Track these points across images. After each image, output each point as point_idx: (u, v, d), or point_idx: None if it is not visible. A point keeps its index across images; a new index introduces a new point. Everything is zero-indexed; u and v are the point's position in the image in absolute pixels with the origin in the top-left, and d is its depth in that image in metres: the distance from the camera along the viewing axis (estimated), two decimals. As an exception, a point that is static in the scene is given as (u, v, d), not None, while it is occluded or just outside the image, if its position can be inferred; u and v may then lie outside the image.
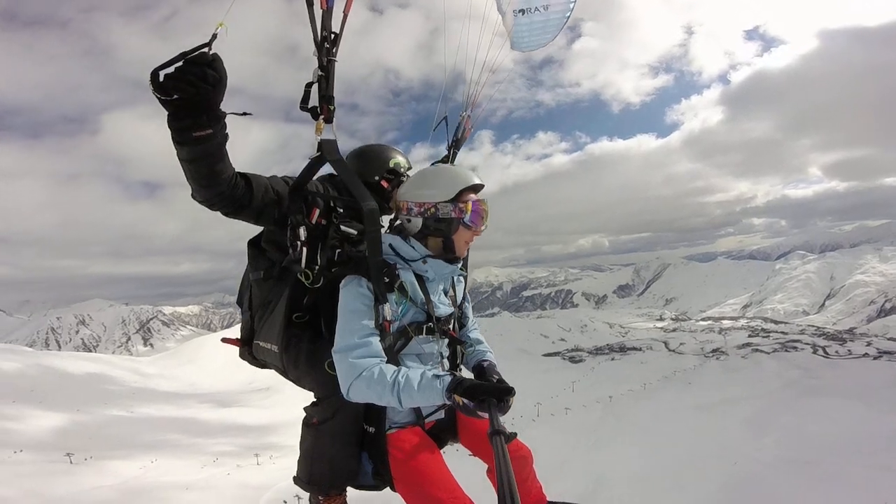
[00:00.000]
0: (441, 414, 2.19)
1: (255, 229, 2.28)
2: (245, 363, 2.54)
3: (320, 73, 1.92)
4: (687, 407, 23.70)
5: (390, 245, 2.03)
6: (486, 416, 1.58)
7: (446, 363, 2.18)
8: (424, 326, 2.01)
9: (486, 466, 2.12)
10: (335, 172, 2.14)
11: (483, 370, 2.12)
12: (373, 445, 2.05)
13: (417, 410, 2.10)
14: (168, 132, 1.60)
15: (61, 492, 26.55)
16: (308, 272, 2.03)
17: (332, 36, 1.94)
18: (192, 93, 1.49)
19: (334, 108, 1.98)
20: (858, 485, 7.55)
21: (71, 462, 35.27)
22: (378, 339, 1.84)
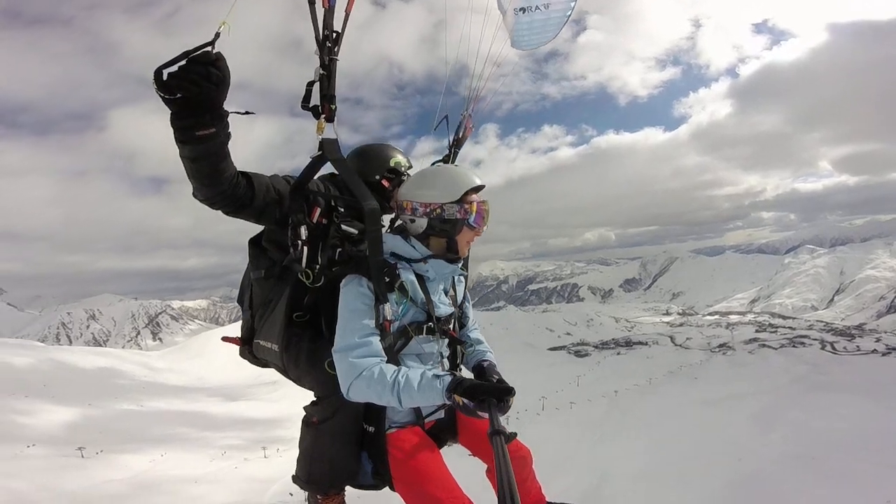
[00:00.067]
0: (441, 414, 2.20)
1: (257, 228, 2.29)
2: None
3: (322, 71, 1.92)
4: (693, 402, 23.58)
5: (391, 245, 2.03)
6: (486, 416, 1.58)
7: (446, 363, 2.18)
8: (425, 326, 2.02)
9: (485, 466, 2.12)
10: (336, 172, 2.15)
11: (483, 370, 2.12)
12: (372, 445, 2.06)
13: (417, 410, 2.11)
14: (171, 130, 1.61)
15: (73, 486, 26.95)
16: (309, 271, 2.03)
17: (334, 35, 1.93)
18: (195, 92, 1.50)
19: (336, 108, 1.98)
20: (864, 482, 7.52)
21: (83, 456, 35.80)
22: (378, 338, 1.85)
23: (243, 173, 1.91)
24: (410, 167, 2.65)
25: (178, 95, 1.51)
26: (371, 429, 2.06)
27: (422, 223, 2.01)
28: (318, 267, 2.08)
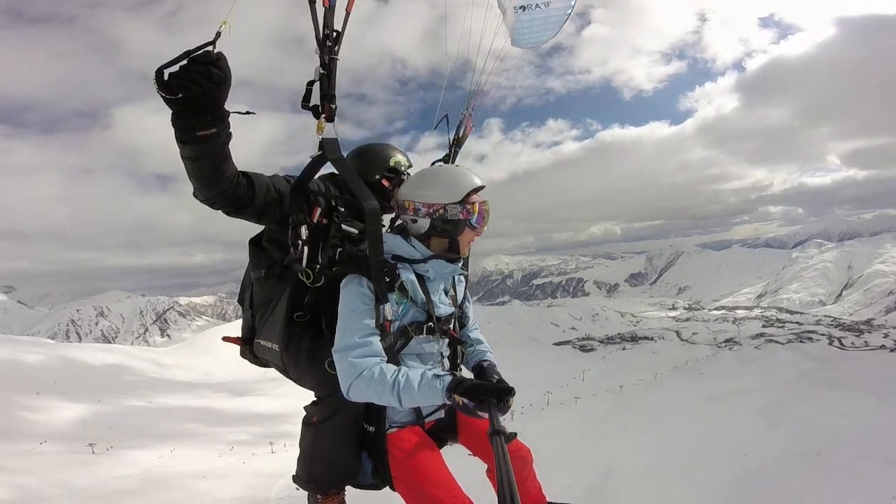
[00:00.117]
0: (441, 413, 2.20)
1: (258, 227, 2.29)
2: None
3: (322, 71, 1.90)
4: (698, 397, 23.52)
5: (391, 244, 2.03)
6: (486, 415, 1.58)
7: (447, 363, 2.18)
8: (425, 326, 2.02)
9: (485, 466, 2.13)
10: (336, 171, 2.14)
11: (483, 370, 2.13)
12: (373, 445, 2.06)
13: (417, 410, 2.11)
14: (172, 130, 1.61)
15: (84, 482, 27.35)
16: (309, 271, 2.03)
17: (335, 34, 1.92)
18: (196, 92, 1.50)
19: (336, 107, 1.97)
20: (869, 478, 7.48)
21: (93, 452, 36.33)
22: (378, 338, 1.85)
23: (244, 173, 1.91)
24: (410, 166, 2.65)
25: (180, 95, 1.51)
26: (371, 428, 2.06)
27: (424, 223, 2.02)
28: (318, 267, 2.08)
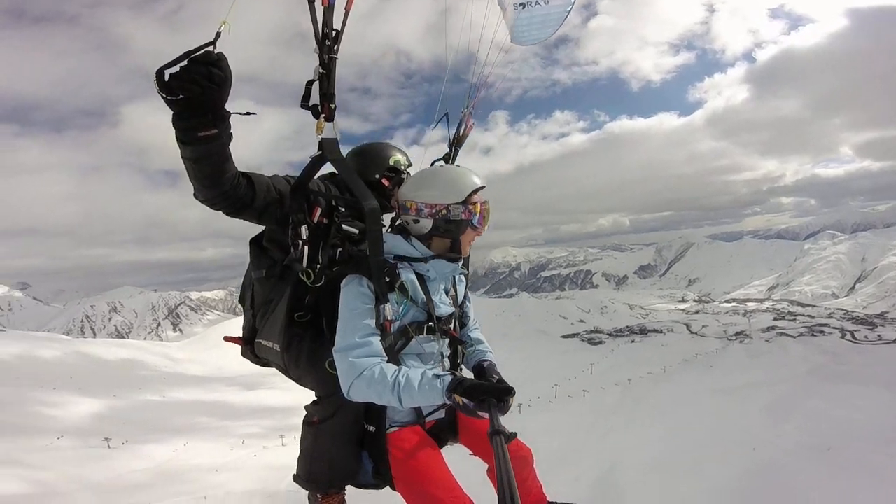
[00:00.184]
0: (441, 413, 2.20)
1: (257, 227, 2.28)
2: None
3: (321, 70, 1.88)
4: (708, 391, 23.30)
5: (391, 244, 2.03)
6: (486, 415, 1.58)
7: (447, 363, 2.18)
8: (425, 326, 2.02)
9: (486, 466, 2.13)
10: (336, 171, 2.13)
11: (483, 370, 2.13)
12: (373, 444, 2.07)
13: (418, 410, 2.12)
14: (172, 131, 1.61)
15: (100, 476, 27.98)
16: (309, 271, 2.03)
17: (334, 33, 1.89)
18: (197, 92, 1.49)
19: (335, 107, 1.95)
20: (881, 473, 7.38)
21: (109, 447, 37.12)
22: (379, 338, 1.85)
23: (244, 174, 1.91)
24: (410, 165, 2.65)
25: (180, 96, 1.50)
26: (372, 428, 2.07)
27: (426, 224, 2.02)
28: (318, 267, 2.07)
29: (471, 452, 2.23)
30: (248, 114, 1.74)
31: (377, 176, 2.50)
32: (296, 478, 2.21)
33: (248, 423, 53.51)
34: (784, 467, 8.88)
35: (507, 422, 1.65)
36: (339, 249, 2.16)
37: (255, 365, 2.55)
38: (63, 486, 25.66)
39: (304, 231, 2.07)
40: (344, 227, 2.19)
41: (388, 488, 2.10)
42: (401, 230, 2.11)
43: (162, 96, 1.50)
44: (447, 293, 2.21)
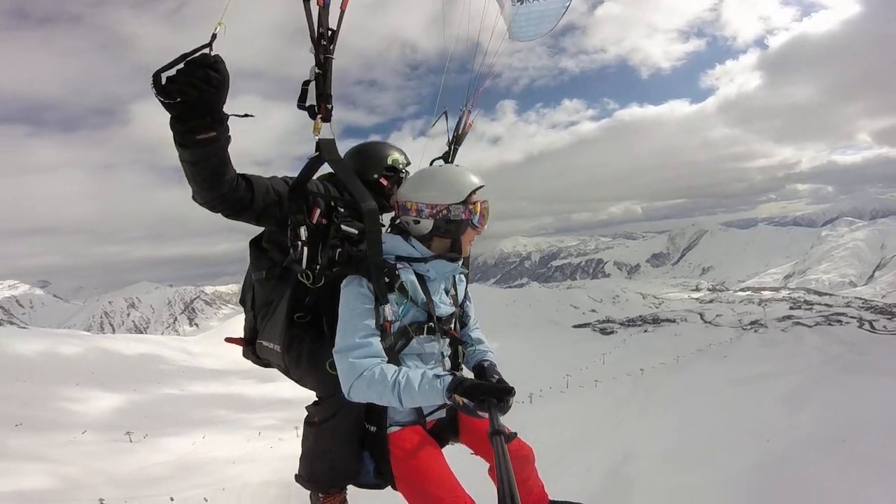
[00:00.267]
0: (442, 413, 2.20)
1: (257, 229, 2.28)
2: None
3: (317, 70, 1.86)
4: (721, 381, 23.06)
5: (391, 245, 2.03)
6: (487, 415, 1.59)
7: (447, 363, 2.18)
8: (425, 326, 2.02)
9: (487, 465, 2.11)
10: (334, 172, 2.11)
11: (483, 370, 2.13)
12: (374, 444, 2.08)
13: (419, 410, 2.12)
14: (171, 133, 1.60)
15: (122, 470, 28.73)
16: (309, 272, 2.03)
17: (329, 33, 1.87)
18: (194, 95, 1.48)
19: (332, 107, 1.93)
20: (893, 467, 7.30)
21: (130, 441, 38.06)
22: (379, 339, 1.86)
23: (242, 175, 1.90)
24: (409, 164, 2.64)
25: (178, 100, 1.50)
26: (373, 428, 2.08)
27: (427, 224, 2.02)
28: (318, 267, 2.07)
29: (472, 452, 2.23)
30: (245, 115, 1.73)
31: (375, 176, 2.50)
32: (297, 478, 2.23)
33: (263, 415, 54.39)
34: (797, 458, 8.80)
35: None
36: (339, 250, 2.16)
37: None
38: (87, 479, 26.41)
39: (303, 232, 2.07)
40: (343, 227, 2.19)
41: (389, 488, 2.11)
42: (400, 230, 2.10)
43: (159, 100, 1.49)
44: (447, 293, 2.21)
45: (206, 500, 22.54)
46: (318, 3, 1.84)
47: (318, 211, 2.14)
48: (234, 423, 49.89)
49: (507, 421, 1.63)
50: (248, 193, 1.91)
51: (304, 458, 2.21)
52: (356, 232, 2.20)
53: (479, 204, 2.05)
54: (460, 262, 2.14)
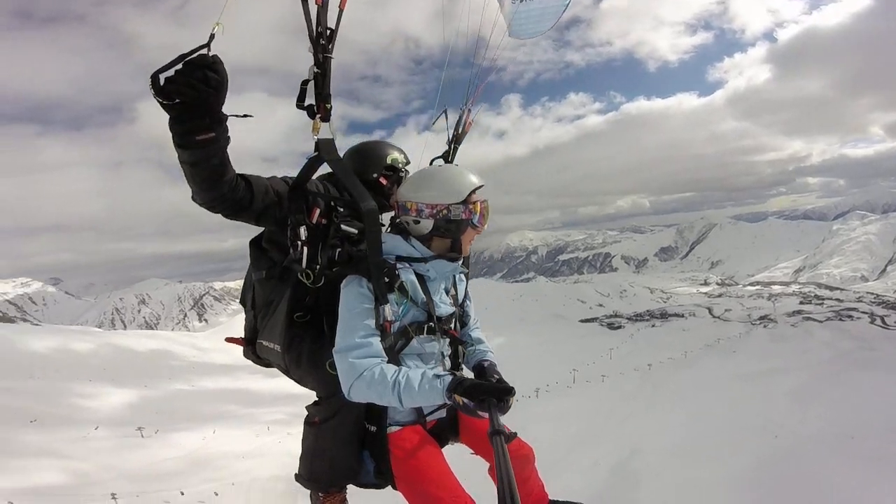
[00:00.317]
0: (442, 413, 2.20)
1: (257, 229, 2.27)
2: None
3: (316, 70, 1.85)
4: (730, 376, 22.85)
5: (391, 245, 2.03)
6: (487, 415, 1.59)
7: (448, 363, 2.18)
8: (425, 326, 2.02)
9: (487, 465, 2.11)
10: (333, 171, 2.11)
11: (483, 370, 2.12)
12: (374, 444, 2.09)
13: (419, 409, 2.12)
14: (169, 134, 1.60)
15: (134, 465, 29.17)
16: (309, 272, 2.03)
17: (328, 32, 1.86)
18: (193, 96, 1.48)
19: (331, 107, 1.92)
20: (901, 465, 7.26)
21: (142, 436, 38.58)
22: (379, 339, 1.86)
23: (242, 176, 1.90)
24: (408, 163, 2.64)
25: (177, 101, 1.50)
26: (373, 428, 2.09)
27: (427, 224, 2.02)
28: (318, 267, 2.07)
29: (472, 452, 2.23)
30: (244, 116, 1.72)
31: (375, 175, 2.49)
32: (297, 477, 2.24)
33: (272, 410, 54.84)
34: (806, 455, 8.74)
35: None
36: (339, 250, 2.16)
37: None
38: (100, 475, 26.84)
39: (302, 232, 2.07)
40: (343, 227, 2.19)
41: (389, 487, 2.11)
42: (400, 230, 2.10)
43: (158, 101, 1.49)
44: (447, 293, 2.21)
45: (216, 494, 22.88)
46: (316, 3, 1.82)
47: (318, 211, 2.14)
48: (244, 418, 50.39)
49: (508, 420, 1.63)
50: (247, 194, 1.91)
51: (304, 458, 2.22)
52: (356, 232, 2.20)
53: (479, 203, 2.05)
54: (460, 262, 2.14)
